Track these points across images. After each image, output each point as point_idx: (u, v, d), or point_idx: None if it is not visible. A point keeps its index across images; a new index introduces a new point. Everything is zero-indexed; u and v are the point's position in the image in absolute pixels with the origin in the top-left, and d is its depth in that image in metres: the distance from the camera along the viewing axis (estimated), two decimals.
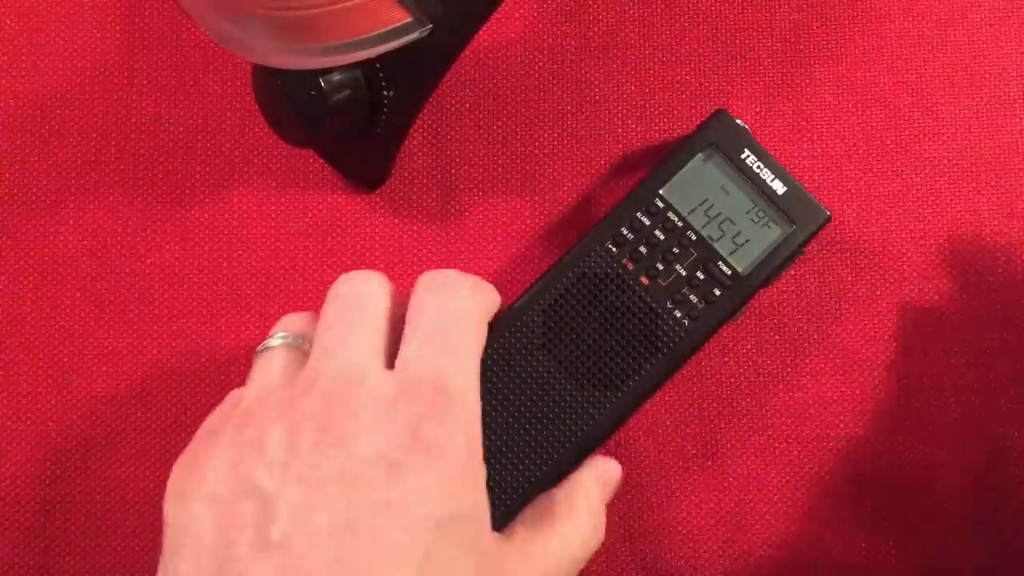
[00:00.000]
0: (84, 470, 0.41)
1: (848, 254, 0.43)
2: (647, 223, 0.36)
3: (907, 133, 0.44)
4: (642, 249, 0.36)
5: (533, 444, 0.34)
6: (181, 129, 0.44)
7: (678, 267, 0.36)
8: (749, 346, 0.42)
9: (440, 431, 0.27)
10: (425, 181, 0.44)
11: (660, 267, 0.36)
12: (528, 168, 0.44)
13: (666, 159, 0.37)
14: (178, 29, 0.44)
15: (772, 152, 0.44)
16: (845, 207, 0.43)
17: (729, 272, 0.36)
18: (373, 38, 0.36)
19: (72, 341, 0.42)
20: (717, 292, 0.36)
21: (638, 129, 0.44)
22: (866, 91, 0.44)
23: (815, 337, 0.42)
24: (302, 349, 0.32)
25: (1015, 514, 0.41)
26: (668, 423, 0.42)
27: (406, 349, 0.30)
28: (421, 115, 0.43)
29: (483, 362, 0.31)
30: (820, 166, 0.43)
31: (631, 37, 0.44)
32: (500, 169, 0.44)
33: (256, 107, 0.40)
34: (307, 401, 0.28)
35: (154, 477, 0.41)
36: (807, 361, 0.42)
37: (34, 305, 0.42)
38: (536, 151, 0.44)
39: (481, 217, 0.43)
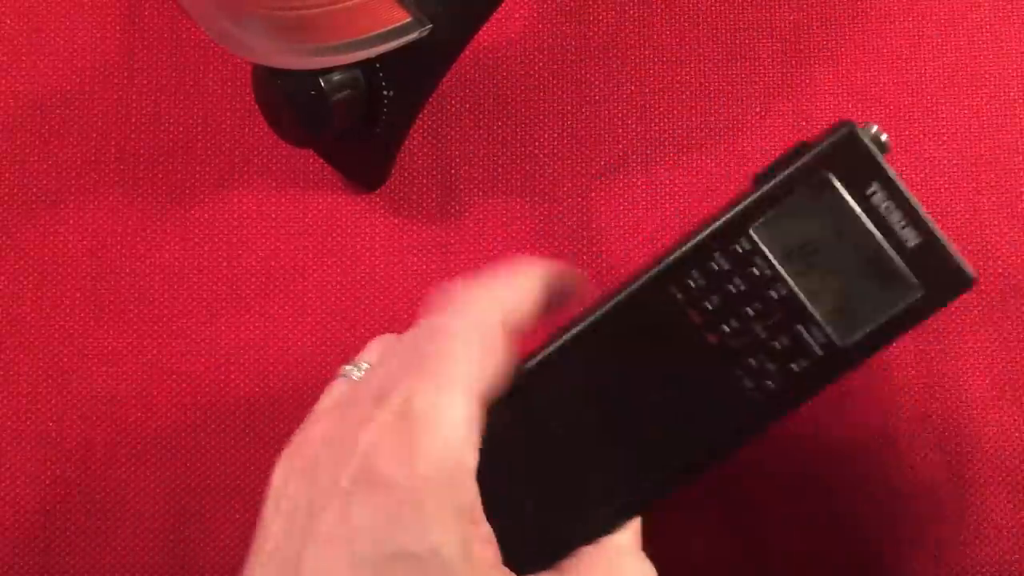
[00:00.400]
0: (84, 470, 0.41)
1: None
2: (726, 267, 0.27)
3: (907, 133, 0.44)
4: (714, 300, 0.27)
5: (565, 504, 0.29)
6: (181, 129, 0.44)
7: (757, 327, 0.27)
8: None
9: (389, 463, 0.25)
10: (425, 181, 0.44)
11: (734, 325, 0.27)
12: (528, 168, 0.44)
13: (764, 184, 0.27)
14: (178, 29, 0.44)
15: (772, 152, 0.44)
16: None
17: (822, 341, 0.27)
18: (373, 38, 0.36)
19: (72, 341, 0.42)
20: (803, 364, 0.27)
21: (638, 129, 0.44)
22: (866, 91, 0.44)
23: None
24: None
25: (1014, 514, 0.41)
26: None
27: (384, 368, 0.28)
28: (421, 115, 0.43)
29: (512, 409, 0.28)
30: None
31: (631, 37, 0.44)
32: (500, 169, 0.44)
33: (256, 107, 0.40)
34: (317, 428, 0.28)
35: (154, 477, 0.41)
36: None
37: (34, 305, 0.42)
38: (536, 151, 0.44)
39: (481, 217, 0.43)
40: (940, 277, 0.27)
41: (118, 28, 0.44)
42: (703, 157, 0.43)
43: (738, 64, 0.44)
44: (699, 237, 0.28)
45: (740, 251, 0.27)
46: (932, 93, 0.44)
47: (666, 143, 0.44)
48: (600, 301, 0.29)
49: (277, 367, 0.42)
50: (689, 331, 0.27)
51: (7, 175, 0.43)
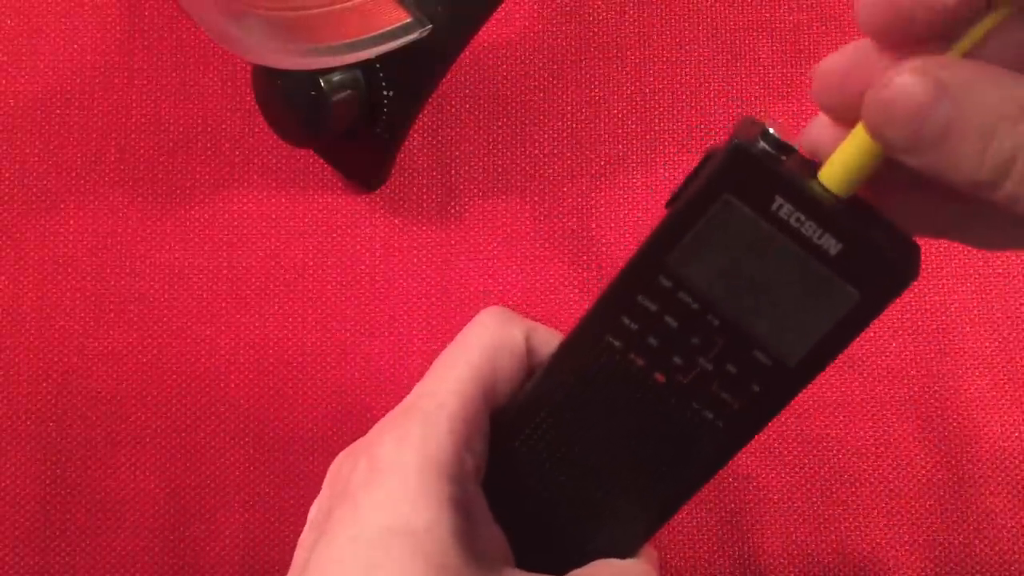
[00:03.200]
0: (84, 470, 0.41)
1: None
2: (653, 308, 0.26)
3: None
4: (652, 341, 0.26)
5: (557, 545, 0.29)
6: (181, 129, 0.44)
7: (701, 360, 0.26)
8: None
9: (389, 449, 0.27)
10: (425, 181, 0.44)
11: (678, 361, 0.26)
12: (528, 168, 0.44)
13: (669, 218, 0.26)
14: (178, 29, 0.44)
15: None
16: None
17: (769, 362, 0.26)
18: (373, 38, 0.36)
19: (72, 341, 0.42)
20: (756, 388, 0.26)
21: (638, 129, 0.44)
22: None
23: None
24: None
25: (1012, 513, 0.41)
26: None
27: None
28: (421, 115, 0.43)
29: (502, 453, 0.29)
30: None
31: (631, 37, 0.44)
32: (500, 169, 0.44)
33: (256, 107, 0.40)
34: None
35: (154, 477, 0.41)
36: None
37: (34, 305, 0.42)
38: (536, 151, 0.44)
39: (481, 217, 0.43)
40: (876, 276, 0.24)
41: (118, 28, 0.44)
42: (703, 158, 0.43)
43: (738, 64, 0.44)
44: (621, 279, 0.26)
45: (663, 287, 0.26)
46: None
47: (666, 143, 0.44)
48: (550, 359, 0.28)
49: (277, 367, 0.42)
50: (636, 373, 0.27)
51: (7, 175, 0.43)
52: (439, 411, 0.28)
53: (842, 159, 0.24)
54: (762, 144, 0.24)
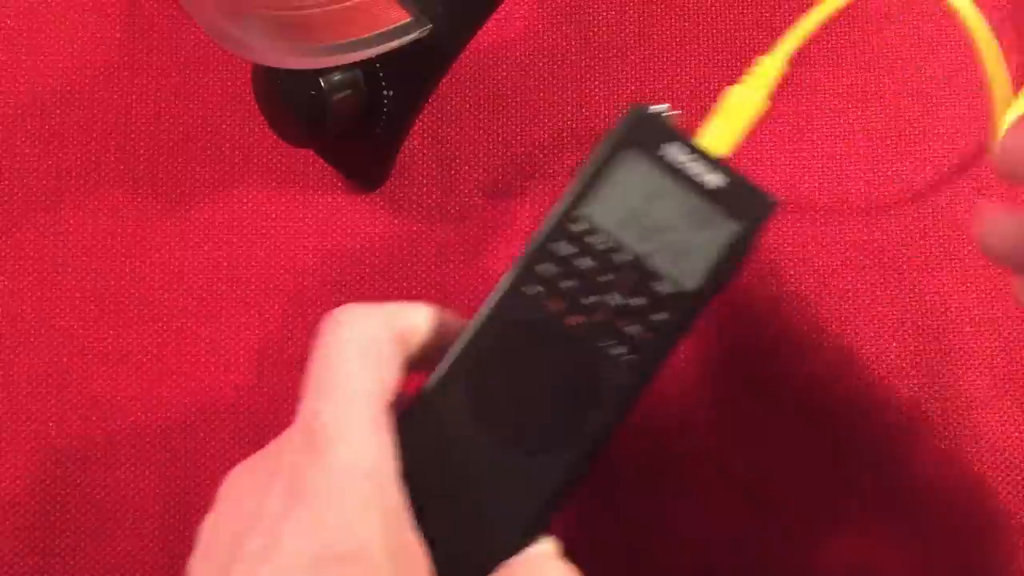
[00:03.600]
0: (84, 470, 0.41)
1: (849, 254, 0.43)
2: (569, 252, 0.30)
3: (907, 133, 0.44)
4: (568, 283, 0.30)
5: (485, 523, 0.30)
6: (181, 129, 0.44)
7: (612, 296, 0.30)
8: (749, 346, 0.42)
9: (310, 473, 0.26)
10: (425, 181, 0.44)
11: (592, 300, 0.30)
12: (528, 168, 0.44)
13: (579, 172, 0.31)
14: (178, 29, 0.44)
15: (772, 152, 0.44)
16: (846, 207, 0.43)
17: (671, 290, 0.30)
18: (373, 38, 0.36)
19: (72, 341, 0.42)
20: (662, 316, 0.30)
21: None
22: (866, 91, 0.44)
23: (815, 337, 0.42)
24: None
25: (1011, 515, 0.41)
26: (668, 423, 0.42)
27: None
28: (421, 115, 0.43)
29: (412, 438, 0.29)
30: (820, 166, 0.43)
31: (631, 37, 0.44)
32: (500, 169, 0.44)
33: (256, 107, 0.40)
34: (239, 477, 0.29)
35: (154, 477, 0.41)
36: (807, 361, 0.42)
37: (34, 305, 0.42)
38: (536, 151, 0.44)
39: (481, 217, 0.43)
40: (747, 208, 0.30)
41: (118, 28, 0.44)
42: None
43: (738, 64, 0.44)
44: (538, 234, 0.30)
45: (576, 232, 0.30)
46: (932, 93, 0.44)
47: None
48: (472, 318, 0.30)
49: (277, 367, 0.42)
50: (551, 319, 0.30)
51: (7, 175, 0.43)
52: (348, 425, 0.27)
53: (718, 124, 0.33)
54: (652, 108, 0.31)
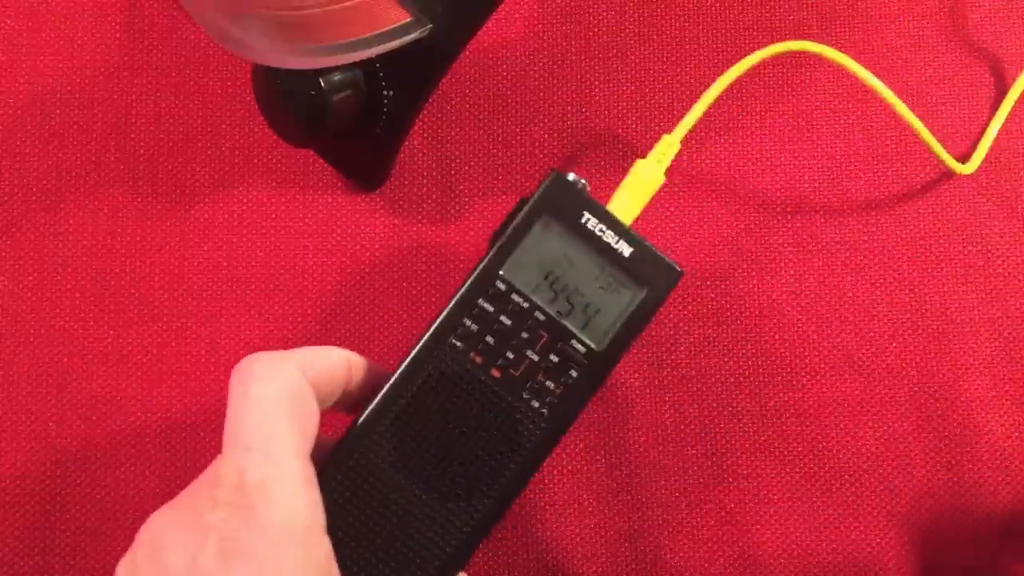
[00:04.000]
0: (84, 470, 0.41)
1: (848, 254, 0.43)
2: (491, 310, 0.32)
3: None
4: (489, 340, 0.32)
5: (404, 566, 0.31)
6: (181, 129, 0.44)
7: (529, 353, 0.32)
8: (749, 346, 0.42)
9: (245, 534, 0.26)
10: (425, 181, 0.44)
11: (510, 356, 0.32)
12: (528, 168, 0.44)
13: (502, 235, 0.33)
14: (178, 29, 0.44)
15: (772, 152, 0.44)
16: (846, 207, 0.43)
17: (583, 349, 0.32)
18: (373, 38, 0.36)
19: (72, 341, 0.42)
20: (574, 373, 0.32)
21: (638, 129, 0.44)
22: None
23: (815, 337, 0.42)
24: None
25: (1012, 514, 0.41)
26: (668, 423, 0.42)
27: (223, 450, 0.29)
28: (421, 115, 0.43)
29: (334, 486, 0.30)
30: (820, 166, 0.43)
31: (631, 37, 0.44)
32: (500, 169, 0.44)
33: (256, 107, 0.40)
34: (155, 526, 0.29)
35: (153, 477, 0.41)
36: (807, 361, 0.42)
37: (34, 305, 0.42)
38: (536, 151, 0.44)
39: (481, 217, 0.43)
40: (655, 275, 0.33)
41: (118, 28, 0.44)
42: (703, 157, 0.43)
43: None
44: (461, 291, 0.33)
45: (497, 292, 0.32)
46: (932, 93, 0.44)
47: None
48: (400, 361, 0.32)
49: None
50: (475, 371, 0.32)
51: (7, 175, 0.43)
52: (278, 483, 0.27)
53: (626, 195, 0.36)
54: (571, 176, 0.33)
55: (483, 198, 0.43)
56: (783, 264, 0.43)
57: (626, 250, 0.33)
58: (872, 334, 0.42)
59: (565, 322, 0.33)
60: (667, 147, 0.37)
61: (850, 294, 0.43)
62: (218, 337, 0.42)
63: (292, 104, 0.38)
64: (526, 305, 0.33)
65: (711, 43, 0.44)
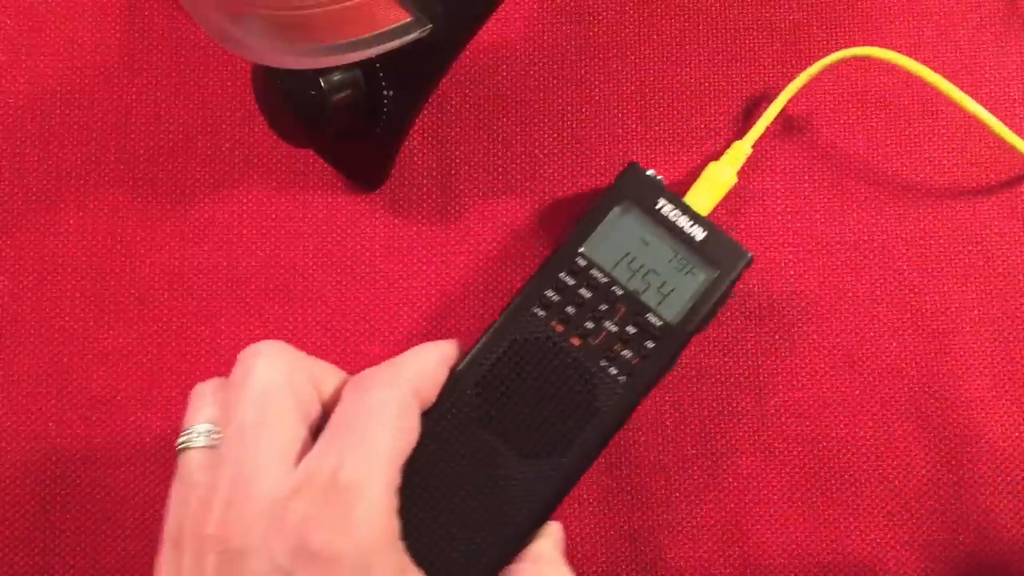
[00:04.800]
0: (84, 470, 0.41)
1: (848, 253, 0.43)
2: (571, 283, 0.35)
3: (907, 133, 0.44)
4: (569, 310, 0.35)
5: (487, 521, 0.32)
6: (181, 129, 0.44)
7: (608, 324, 0.34)
8: (749, 346, 0.42)
9: (327, 535, 0.26)
10: (425, 181, 0.44)
11: (590, 326, 0.34)
12: (528, 168, 0.44)
13: (583, 217, 0.36)
14: (178, 29, 0.44)
15: (772, 153, 0.44)
16: (846, 207, 0.43)
17: (660, 323, 0.35)
18: (373, 38, 0.36)
19: (72, 341, 0.42)
20: (649, 344, 0.34)
21: (638, 129, 0.44)
22: (866, 91, 0.44)
23: (815, 337, 0.42)
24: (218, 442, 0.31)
25: (1013, 514, 0.41)
26: (668, 423, 0.42)
27: (313, 448, 0.29)
28: (421, 115, 0.43)
29: (423, 442, 0.31)
30: (820, 166, 0.43)
31: (631, 37, 0.44)
32: (500, 169, 0.44)
33: (256, 107, 0.40)
34: (210, 517, 0.28)
35: (153, 477, 0.41)
36: (807, 361, 0.42)
37: (34, 305, 0.42)
38: (536, 151, 0.44)
39: (481, 217, 0.43)
40: (727, 258, 0.36)
41: (118, 28, 0.44)
42: (703, 157, 0.43)
43: (738, 64, 0.44)
44: (547, 263, 0.35)
45: (578, 267, 0.35)
46: (932, 93, 0.44)
47: (666, 143, 0.44)
48: (484, 331, 0.34)
49: None
50: (556, 338, 0.34)
51: (7, 175, 0.43)
52: (371, 487, 0.28)
53: (702, 187, 0.40)
54: (650, 172, 0.37)
55: (483, 198, 0.43)
56: (783, 264, 0.43)
57: (699, 234, 0.36)
58: (872, 334, 0.42)
59: (642, 297, 0.35)
60: (739, 152, 0.41)
61: (850, 294, 0.43)
62: (218, 337, 0.42)
63: (292, 104, 0.38)
64: (605, 280, 0.35)
65: (711, 43, 0.44)
